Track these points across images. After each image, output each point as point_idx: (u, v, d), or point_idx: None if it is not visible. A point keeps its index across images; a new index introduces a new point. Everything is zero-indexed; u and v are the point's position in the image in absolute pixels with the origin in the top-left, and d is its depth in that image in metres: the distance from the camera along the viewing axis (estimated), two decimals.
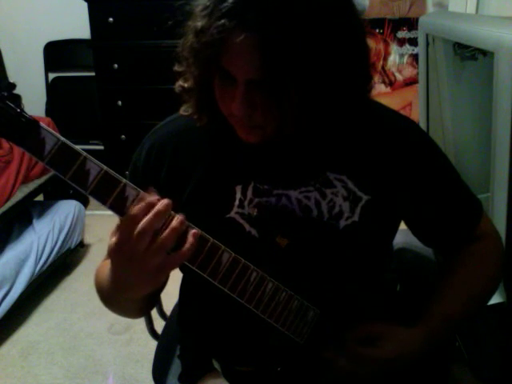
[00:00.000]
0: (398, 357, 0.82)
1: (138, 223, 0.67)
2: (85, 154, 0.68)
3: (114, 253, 0.71)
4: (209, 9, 0.70)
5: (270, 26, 0.66)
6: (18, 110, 0.65)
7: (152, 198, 0.69)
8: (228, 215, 0.85)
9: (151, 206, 0.68)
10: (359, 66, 0.76)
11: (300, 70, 0.68)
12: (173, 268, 0.72)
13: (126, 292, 0.76)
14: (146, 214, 0.68)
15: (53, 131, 0.66)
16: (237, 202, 0.85)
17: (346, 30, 0.72)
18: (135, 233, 0.67)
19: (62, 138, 0.66)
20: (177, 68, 0.81)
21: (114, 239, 0.70)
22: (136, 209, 0.68)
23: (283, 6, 0.66)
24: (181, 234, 0.71)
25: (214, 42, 0.69)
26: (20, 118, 0.65)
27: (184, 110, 0.86)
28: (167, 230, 0.69)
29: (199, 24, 0.71)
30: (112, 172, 0.69)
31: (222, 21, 0.67)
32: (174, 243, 0.70)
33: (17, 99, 0.64)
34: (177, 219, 0.70)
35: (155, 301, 1.07)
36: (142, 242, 0.68)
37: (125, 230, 0.68)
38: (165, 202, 0.69)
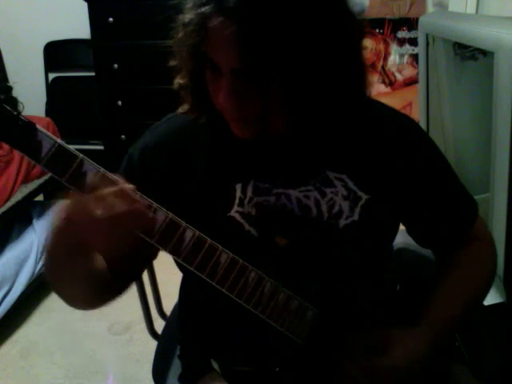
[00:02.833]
0: (405, 363, 0.80)
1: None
2: (81, 156, 0.67)
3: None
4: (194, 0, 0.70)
5: (248, 12, 0.65)
6: (15, 113, 0.65)
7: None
8: (228, 214, 0.84)
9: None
10: (348, 59, 0.73)
11: (281, 59, 0.67)
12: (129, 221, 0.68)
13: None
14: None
15: (50, 134, 0.66)
16: (237, 201, 0.84)
17: (331, 17, 0.69)
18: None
19: (59, 141, 0.66)
20: (171, 63, 0.81)
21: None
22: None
23: None
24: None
25: (197, 29, 0.69)
26: (17, 121, 0.65)
27: (182, 108, 0.86)
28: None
29: (186, 16, 0.72)
30: (109, 174, 0.69)
31: (203, 8, 0.68)
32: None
33: (14, 102, 0.64)
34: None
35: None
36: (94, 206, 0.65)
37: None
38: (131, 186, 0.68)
